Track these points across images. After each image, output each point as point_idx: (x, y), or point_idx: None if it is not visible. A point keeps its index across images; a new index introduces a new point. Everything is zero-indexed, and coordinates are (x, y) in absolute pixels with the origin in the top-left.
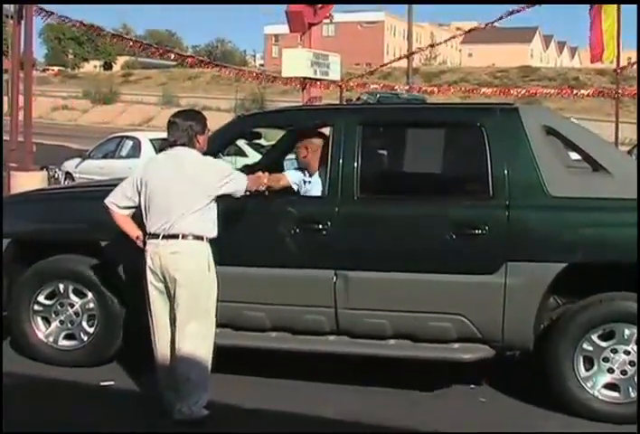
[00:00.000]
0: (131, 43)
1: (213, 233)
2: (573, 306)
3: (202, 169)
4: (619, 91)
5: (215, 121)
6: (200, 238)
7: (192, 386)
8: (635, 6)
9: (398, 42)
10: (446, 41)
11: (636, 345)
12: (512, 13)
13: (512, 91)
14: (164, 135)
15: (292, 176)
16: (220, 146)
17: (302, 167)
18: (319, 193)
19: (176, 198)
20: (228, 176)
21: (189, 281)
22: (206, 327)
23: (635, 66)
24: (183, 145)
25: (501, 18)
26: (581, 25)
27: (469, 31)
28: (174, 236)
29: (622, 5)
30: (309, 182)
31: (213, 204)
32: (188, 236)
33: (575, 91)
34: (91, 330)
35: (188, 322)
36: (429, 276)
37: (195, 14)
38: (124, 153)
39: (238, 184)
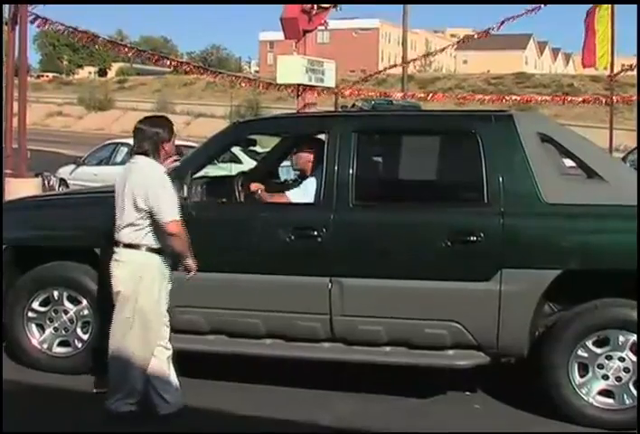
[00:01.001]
0: (126, 50)
1: (155, 244)
2: (568, 312)
3: (141, 182)
4: (614, 98)
5: (210, 128)
6: (135, 247)
7: (111, 385)
8: (629, 8)
9: (392, 48)
10: (442, 49)
11: (631, 352)
12: (503, 22)
13: (506, 98)
14: None
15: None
16: (215, 152)
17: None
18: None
19: (119, 208)
20: (157, 201)
21: (121, 289)
22: (134, 337)
23: (629, 72)
24: (146, 153)
25: (488, 31)
26: (576, 32)
27: (464, 40)
28: (117, 243)
29: (617, 10)
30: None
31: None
32: (125, 245)
33: (569, 98)
34: (86, 337)
35: (116, 328)
36: (425, 283)
37: (190, 20)
38: (119, 159)
39: (161, 216)
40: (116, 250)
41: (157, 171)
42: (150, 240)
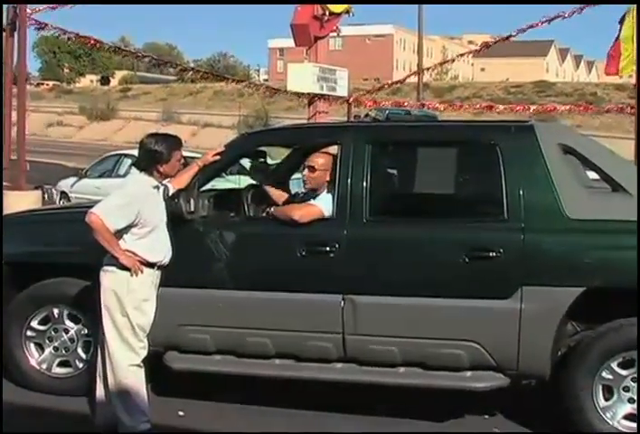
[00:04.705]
0: (129, 52)
1: (145, 255)
2: (591, 332)
3: None
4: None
5: (218, 138)
6: (115, 258)
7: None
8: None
9: (407, 55)
10: (461, 55)
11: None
12: (526, 29)
13: (526, 107)
14: None
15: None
16: (223, 165)
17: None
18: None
19: None
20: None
21: (103, 299)
22: (110, 347)
23: None
24: (139, 167)
25: (509, 37)
26: (599, 38)
27: (483, 47)
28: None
29: None
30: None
31: (137, 230)
32: (112, 254)
33: (593, 107)
34: (87, 357)
35: (104, 342)
36: (441, 301)
37: (197, 26)
38: (122, 171)
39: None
40: (104, 259)
41: (132, 181)
42: (137, 251)
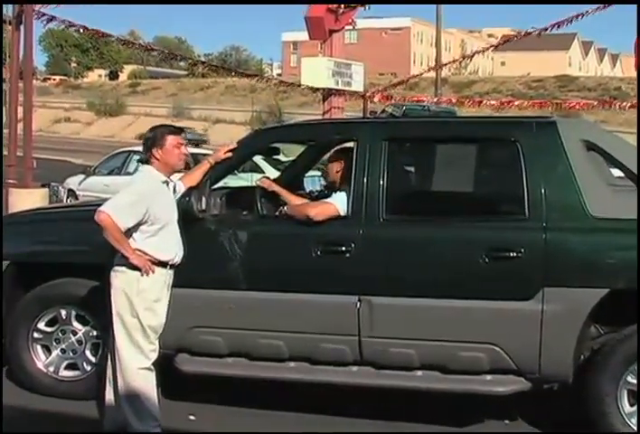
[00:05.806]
0: (138, 45)
1: (156, 254)
2: (616, 335)
3: None
4: None
5: (230, 135)
6: (125, 257)
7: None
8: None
9: (425, 49)
10: (482, 51)
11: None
12: (556, 25)
13: (548, 103)
14: None
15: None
16: (235, 162)
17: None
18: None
19: None
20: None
21: (113, 300)
22: (119, 349)
23: None
24: (141, 160)
25: (531, 32)
26: (623, 31)
27: (505, 41)
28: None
29: None
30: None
31: (147, 228)
32: (122, 254)
33: (617, 102)
34: (95, 359)
35: (114, 345)
36: (460, 302)
37: (207, 19)
38: (131, 169)
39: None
40: (115, 258)
41: (140, 178)
42: (147, 250)
